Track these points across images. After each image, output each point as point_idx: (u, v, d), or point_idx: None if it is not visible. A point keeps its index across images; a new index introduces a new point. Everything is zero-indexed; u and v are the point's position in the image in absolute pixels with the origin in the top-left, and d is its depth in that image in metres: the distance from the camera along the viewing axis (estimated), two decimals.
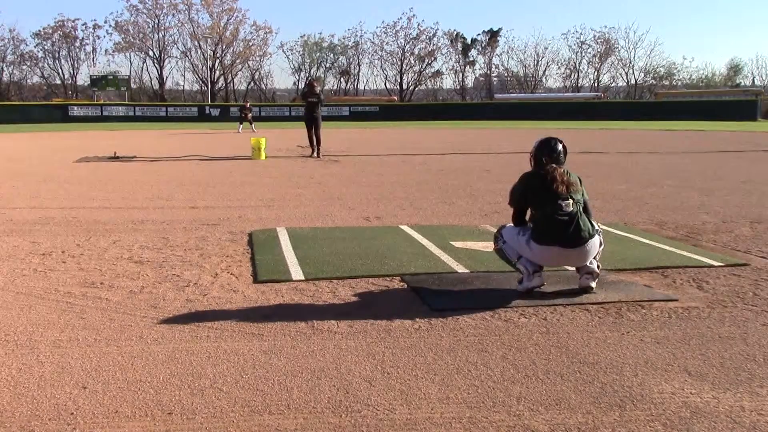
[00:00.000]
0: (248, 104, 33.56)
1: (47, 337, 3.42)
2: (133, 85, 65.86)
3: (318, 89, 16.28)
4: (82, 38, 68.77)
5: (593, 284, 4.26)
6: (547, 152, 4.35)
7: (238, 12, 69.80)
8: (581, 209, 4.22)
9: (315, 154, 15.75)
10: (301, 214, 7.51)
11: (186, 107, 51.82)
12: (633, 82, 75.45)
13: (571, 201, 4.17)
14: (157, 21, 68.52)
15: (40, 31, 67.64)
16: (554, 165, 4.28)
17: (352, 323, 3.66)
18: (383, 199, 8.71)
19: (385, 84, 75.69)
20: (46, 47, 68.24)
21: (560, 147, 4.38)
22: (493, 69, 78.39)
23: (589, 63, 76.04)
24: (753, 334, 3.54)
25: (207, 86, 65.16)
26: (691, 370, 3.05)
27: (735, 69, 75.69)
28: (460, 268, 4.88)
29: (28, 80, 70.30)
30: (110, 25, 68.98)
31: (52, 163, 14.47)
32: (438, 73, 76.84)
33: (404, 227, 6.55)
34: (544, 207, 4.20)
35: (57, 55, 68.53)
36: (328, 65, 75.76)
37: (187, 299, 4.11)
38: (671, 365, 3.10)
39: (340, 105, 53.76)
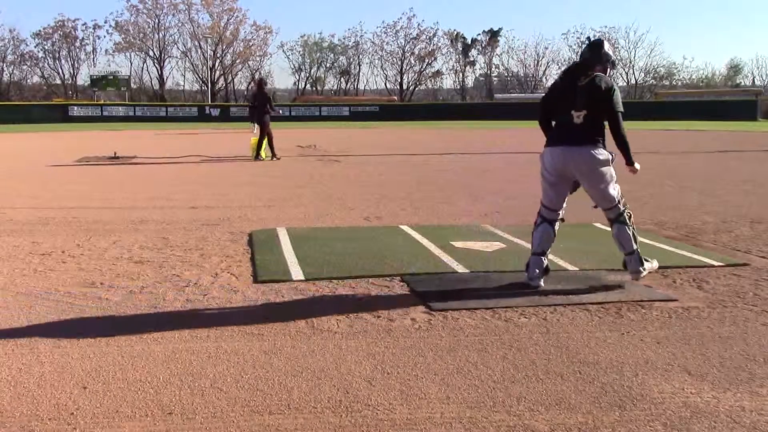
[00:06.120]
0: (255, 102, 32.65)
1: (47, 337, 3.42)
2: (133, 85, 65.83)
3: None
4: (82, 38, 68.87)
5: (642, 272, 4.38)
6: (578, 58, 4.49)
7: (238, 12, 69.83)
8: (595, 123, 4.25)
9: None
10: (301, 214, 7.51)
11: (186, 107, 51.82)
12: (633, 82, 75.40)
13: (584, 113, 4.22)
14: (157, 21, 68.57)
15: (40, 31, 67.74)
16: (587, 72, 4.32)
17: (352, 323, 3.66)
18: (383, 199, 8.70)
19: (385, 84, 75.76)
20: (46, 47, 68.34)
21: (584, 48, 4.48)
22: (493, 69, 78.46)
23: None
24: (753, 334, 3.54)
25: (207, 86, 65.14)
26: (691, 370, 3.05)
27: (735, 69, 75.73)
28: (460, 268, 4.88)
29: (28, 80, 70.45)
30: (110, 25, 69.01)
31: (52, 163, 14.46)
32: (438, 73, 76.89)
33: (404, 227, 6.54)
34: (558, 114, 4.35)
35: (57, 55, 68.62)
36: (328, 65, 75.82)
37: (187, 299, 4.11)
38: (671, 365, 3.10)
39: (339, 105, 53.74)
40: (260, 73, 69.64)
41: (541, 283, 4.36)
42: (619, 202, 4.35)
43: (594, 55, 4.35)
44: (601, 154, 4.24)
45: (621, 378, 2.95)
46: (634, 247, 4.35)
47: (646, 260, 4.44)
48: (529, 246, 4.86)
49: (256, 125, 29.00)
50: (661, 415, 2.60)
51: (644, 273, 4.38)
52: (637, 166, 4.43)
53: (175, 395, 2.75)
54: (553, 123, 4.44)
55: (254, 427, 2.49)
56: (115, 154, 15.65)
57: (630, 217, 4.38)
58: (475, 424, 2.52)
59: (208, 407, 2.64)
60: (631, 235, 4.36)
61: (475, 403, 2.69)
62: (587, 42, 4.51)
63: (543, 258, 4.42)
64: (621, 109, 4.29)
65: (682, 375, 2.99)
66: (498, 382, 2.91)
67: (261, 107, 15.28)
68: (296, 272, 4.74)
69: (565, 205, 4.50)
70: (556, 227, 4.47)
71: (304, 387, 2.84)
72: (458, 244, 5.69)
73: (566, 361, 3.14)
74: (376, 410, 2.63)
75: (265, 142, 15.29)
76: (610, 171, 4.31)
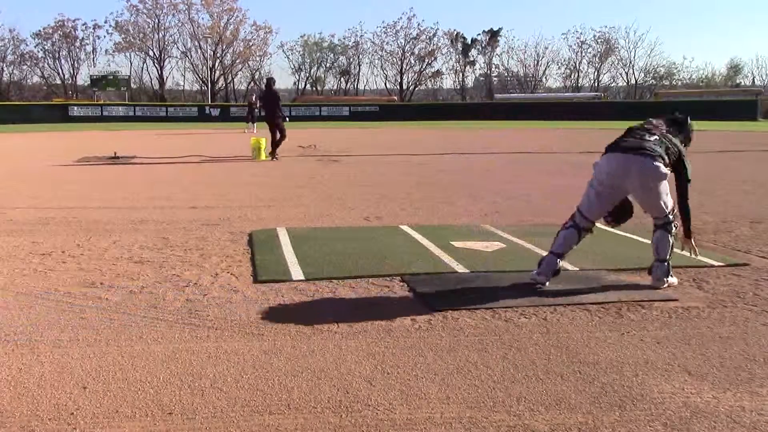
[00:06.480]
0: (254, 97, 30.97)
1: (47, 337, 3.42)
2: (133, 85, 65.80)
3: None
4: (82, 38, 68.79)
5: (665, 284, 4.39)
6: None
7: (238, 12, 69.79)
8: (659, 147, 4.31)
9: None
10: (301, 214, 7.51)
11: (186, 107, 51.82)
12: (633, 82, 75.42)
13: (657, 137, 4.33)
14: (157, 21, 68.50)
15: (40, 31, 67.62)
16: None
17: (352, 323, 3.66)
18: (383, 199, 8.70)
19: (385, 84, 75.74)
20: (46, 47, 68.28)
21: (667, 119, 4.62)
22: (493, 69, 78.46)
23: (589, 63, 76.07)
24: (753, 334, 3.54)
25: (207, 86, 65.15)
26: (691, 370, 3.05)
27: (735, 69, 75.74)
28: (460, 268, 4.88)
29: (28, 80, 70.39)
30: (110, 25, 68.90)
31: (52, 163, 14.46)
32: (438, 73, 76.89)
33: (404, 227, 6.54)
34: (630, 135, 4.45)
35: (57, 55, 68.57)
36: (328, 65, 75.84)
37: (187, 299, 4.11)
38: (671, 365, 3.10)
39: (339, 105, 53.75)
40: (260, 73, 69.73)
41: (547, 282, 4.36)
42: (669, 212, 4.38)
43: (676, 127, 4.54)
44: (662, 168, 4.29)
45: (621, 378, 2.95)
46: (668, 257, 4.39)
47: (672, 275, 4.46)
48: (529, 246, 4.88)
49: (251, 125, 28.73)
50: (661, 415, 2.60)
51: (665, 285, 4.39)
52: (693, 242, 4.51)
53: (175, 395, 2.75)
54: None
55: (254, 427, 2.50)
56: (115, 154, 15.65)
57: (675, 228, 4.42)
58: (475, 424, 2.52)
59: (208, 407, 2.64)
60: (671, 244, 4.40)
61: (475, 403, 2.69)
62: (670, 115, 4.68)
63: (558, 260, 4.41)
64: (690, 178, 4.46)
65: (682, 375, 2.99)
66: (498, 382, 2.91)
67: (271, 107, 15.10)
68: (296, 272, 4.74)
69: (601, 219, 4.53)
70: (583, 236, 4.47)
71: (304, 387, 2.84)
72: (458, 244, 5.69)
73: (566, 361, 3.14)
74: (376, 410, 2.63)
75: (267, 141, 15.28)
76: (666, 185, 4.36)
